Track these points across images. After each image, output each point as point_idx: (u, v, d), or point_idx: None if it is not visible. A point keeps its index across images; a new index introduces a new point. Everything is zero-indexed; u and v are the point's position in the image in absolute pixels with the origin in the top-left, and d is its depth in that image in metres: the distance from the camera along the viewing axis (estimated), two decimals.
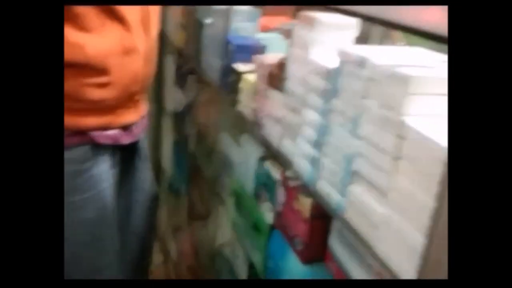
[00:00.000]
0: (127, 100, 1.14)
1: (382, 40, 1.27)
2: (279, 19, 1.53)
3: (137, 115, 1.21)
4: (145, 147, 1.33)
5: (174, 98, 2.02)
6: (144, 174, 1.33)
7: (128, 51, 1.09)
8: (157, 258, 2.24)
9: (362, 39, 1.08)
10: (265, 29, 1.46)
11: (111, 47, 1.03)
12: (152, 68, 1.21)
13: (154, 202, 1.39)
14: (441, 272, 0.47)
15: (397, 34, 1.27)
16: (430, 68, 0.61)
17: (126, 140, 1.18)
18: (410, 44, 0.92)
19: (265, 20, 1.55)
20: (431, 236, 0.49)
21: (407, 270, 0.56)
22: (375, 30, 1.28)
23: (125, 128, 1.17)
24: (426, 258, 0.51)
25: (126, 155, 1.23)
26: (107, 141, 1.12)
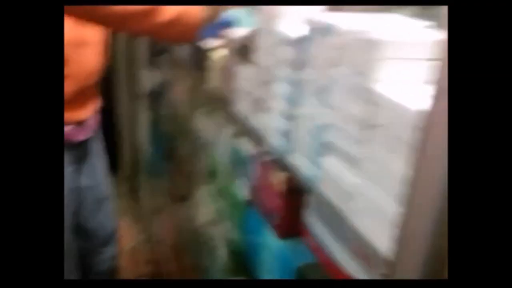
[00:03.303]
0: (82, 94, 1.11)
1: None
2: None
3: (91, 109, 1.17)
4: (99, 142, 1.30)
5: (148, 78, 1.98)
6: (98, 171, 1.30)
7: (82, 43, 1.06)
8: (139, 238, 2.23)
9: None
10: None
11: (65, 38, 0.99)
12: (104, 60, 1.18)
13: (107, 199, 1.36)
14: (419, 242, 0.46)
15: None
16: (401, 33, 0.59)
17: (80, 136, 1.15)
18: (388, 11, 0.89)
19: None
20: (406, 204, 0.48)
21: (384, 242, 0.55)
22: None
23: (79, 124, 1.13)
24: (402, 228, 0.49)
25: (79, 153, 1.20)
26: None
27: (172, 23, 0.85)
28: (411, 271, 0.47)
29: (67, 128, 1.09)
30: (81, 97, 1.11)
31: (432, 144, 0.41)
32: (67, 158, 1.13)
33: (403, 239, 0.47)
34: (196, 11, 0.88)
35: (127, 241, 1.51)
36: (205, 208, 1.37)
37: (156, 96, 1.84)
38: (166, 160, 1.81)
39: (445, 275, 0.45)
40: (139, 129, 2.31)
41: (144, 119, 2.17)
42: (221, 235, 1.23)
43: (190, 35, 0.89)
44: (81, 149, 1.20)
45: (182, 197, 1.65)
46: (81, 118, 1.13)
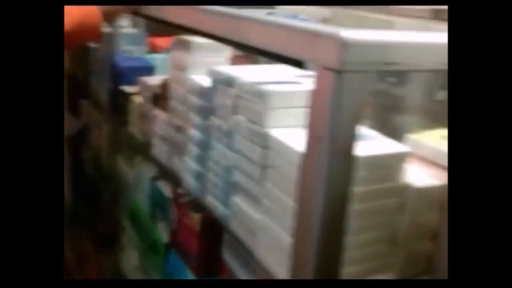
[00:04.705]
0: None
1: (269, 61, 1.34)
2: (171, 39, 1.55)
3: None
4: None
5: (67, 123, 1.95)
6: None
7: None
8: None
9: (252, 59, 1.13)
10: (160, 49, 1.48)
11: None
12: None
13: None
14: (308, 270, 0.52)
15: None
16: (291, 83, 0.67)
17: None
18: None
19: (160, 41, 1.56)
20: (293, 236, 0.54)
21: (281, 271, 0.60)
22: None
23: None
24: (293, 258, 0.55)
25: None
26: None
27: (77, 28, 0.87)
28: None
29: None
30: None
31: (308, 182, 0.48)
32: None
33: (293, 266, 0.53)
34: (96, 10, 0.91)
35: None
36: (130, 253, 1.37)
37: (77, 140, 1.82)
38: (89, 206, 1.78)
39: None
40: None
41: (65, 164, 2.13)
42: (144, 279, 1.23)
43: (95, 34, 0.92)
44: None
45: (107, 243, 1.62)
46: None
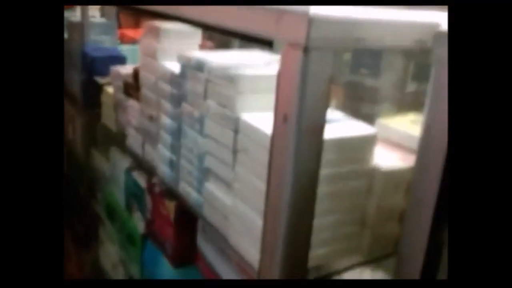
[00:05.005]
0: None
1: (241, 46, 1.34)
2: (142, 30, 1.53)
3: None
4: None
5: None
6: None
7: None
8: None
9: (224, 45, 1.13)
10: (132, 41, 1.46)
11: None
12: None
13: None
14: (277, 251, 0.51)
15: None
16: (261, 67, 0.66)
17: None
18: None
19: (132, 32, 1.54)
20: (265, 219, 0.53)
21: (254, 255, 0.60)
22: (235, 39, 1.34)
23: None
24: (262, 239, 0.54)
25: None
26: None
27: None
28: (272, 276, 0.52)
29: None
30: None
31: (276, 162, 0.48)
32: None
33: (263, 248, 0.53)
34: None
35: None
36: (108, 247, 1.35)
37: None
38: (66, 202, 1.75)
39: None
40: None
41: None
42: (121, 271, 1.21)
43: None
44: None
45: (86, 238, 1.60)
46: None
